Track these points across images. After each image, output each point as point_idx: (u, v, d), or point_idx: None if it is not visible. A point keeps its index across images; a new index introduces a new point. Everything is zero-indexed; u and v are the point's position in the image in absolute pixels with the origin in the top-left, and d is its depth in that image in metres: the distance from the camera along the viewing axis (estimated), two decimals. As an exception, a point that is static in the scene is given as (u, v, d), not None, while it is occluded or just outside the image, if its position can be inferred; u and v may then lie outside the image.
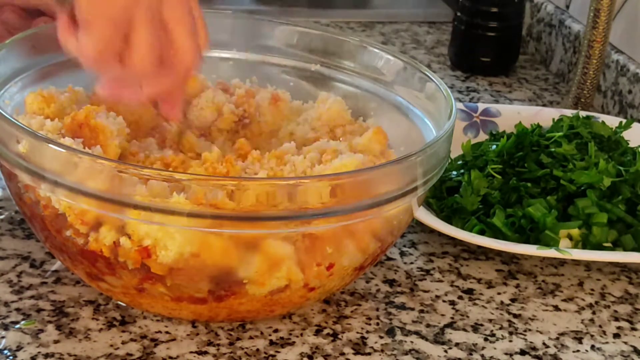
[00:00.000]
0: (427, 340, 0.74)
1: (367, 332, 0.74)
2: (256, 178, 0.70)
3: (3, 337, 0.70)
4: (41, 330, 0.71)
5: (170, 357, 0.69)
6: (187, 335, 0.72)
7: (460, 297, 0.80)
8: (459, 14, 1.26)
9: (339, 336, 0.73)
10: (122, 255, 0.67)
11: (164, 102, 0.75)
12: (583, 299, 0.81)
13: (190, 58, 0.70)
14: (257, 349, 0.71)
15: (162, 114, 0.77)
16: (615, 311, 0.80)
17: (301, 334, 0.73)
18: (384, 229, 0.72)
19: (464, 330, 0.76)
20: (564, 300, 0.81)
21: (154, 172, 0.64)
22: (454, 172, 0.91)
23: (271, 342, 0.72)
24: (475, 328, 0.76)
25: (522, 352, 0.74)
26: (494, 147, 0.93)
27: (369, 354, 0.72)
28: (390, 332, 0.74)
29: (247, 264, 0.67)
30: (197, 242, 0.66)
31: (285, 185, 0.65)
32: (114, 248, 0.67)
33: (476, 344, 0.74)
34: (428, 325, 0.76)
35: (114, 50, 0.68)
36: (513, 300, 0.80)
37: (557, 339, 0.76)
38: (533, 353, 0.74)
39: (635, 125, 0.99)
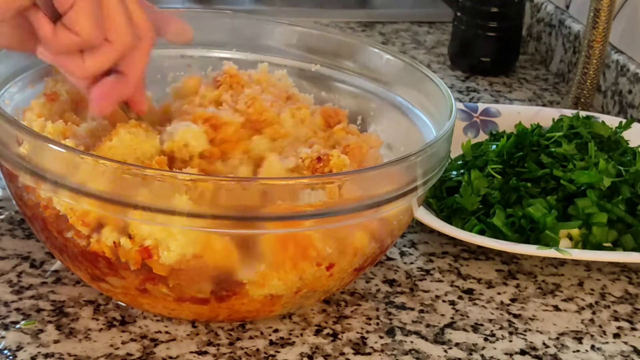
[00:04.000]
0: (427, 340, 0.74)
1: (367, 332, 0.74)
2: (256, 178, 0.70)
3: (3, 337, 0.70)
4: (41, 330, 0.71)
5: (170, 357, 0.69)
6: (187, 335, 0.72)
7: (460, 297, 0.80)
8: (459, 14, 1.26)
9: (339, 336, 0.73)
10: (122, 256, 0.67)
11: (117, 85, 0.69)
12: (583, 299, 0.81)
13: (124, 33, 0.66)
14: (257, 349, 0.71)
15: (126, 104, 0.72)
16: (615, 311, 0.80)
17: (301, 334, 0.73)
18: (383, 229, 0.72)
19: (464, 330, 0.76)
20: (564, 300, 0.81)
21: (156, 173, 0.64)
22: (454, 172, 0.91)
23: (271, 342, 0.72)
24: (475, 328, 0.76)
25: (522, 352, 0.74)
26: (494, 147, 0.93)
27: (369, 354, 0.72)
28: (390, 332, 0.74)
29: (248, 264, 0.67)
30: (199, 243, 0.66)
31: (285, 185, 0.65)
32: (114, 249, 0.67)
33: (476, 344, 0.74)
34: (428, 325, 0.76)
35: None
36: (513, 300, 0.80)
37: (557, 339, 0.76)
38: (533, 353, 0.74)
39: (635, 125, 0.99)
